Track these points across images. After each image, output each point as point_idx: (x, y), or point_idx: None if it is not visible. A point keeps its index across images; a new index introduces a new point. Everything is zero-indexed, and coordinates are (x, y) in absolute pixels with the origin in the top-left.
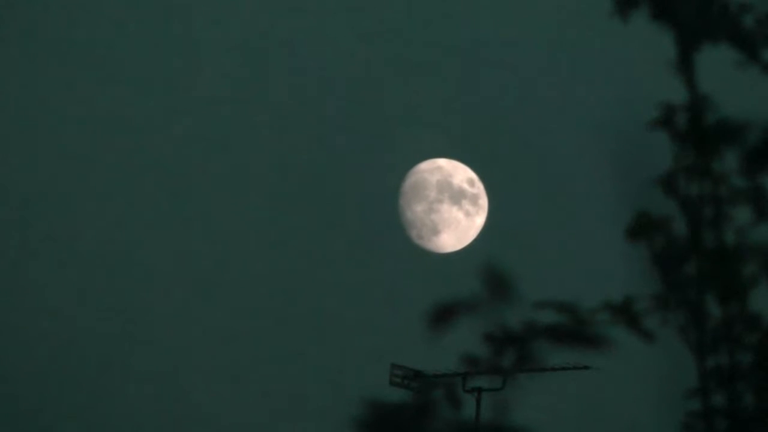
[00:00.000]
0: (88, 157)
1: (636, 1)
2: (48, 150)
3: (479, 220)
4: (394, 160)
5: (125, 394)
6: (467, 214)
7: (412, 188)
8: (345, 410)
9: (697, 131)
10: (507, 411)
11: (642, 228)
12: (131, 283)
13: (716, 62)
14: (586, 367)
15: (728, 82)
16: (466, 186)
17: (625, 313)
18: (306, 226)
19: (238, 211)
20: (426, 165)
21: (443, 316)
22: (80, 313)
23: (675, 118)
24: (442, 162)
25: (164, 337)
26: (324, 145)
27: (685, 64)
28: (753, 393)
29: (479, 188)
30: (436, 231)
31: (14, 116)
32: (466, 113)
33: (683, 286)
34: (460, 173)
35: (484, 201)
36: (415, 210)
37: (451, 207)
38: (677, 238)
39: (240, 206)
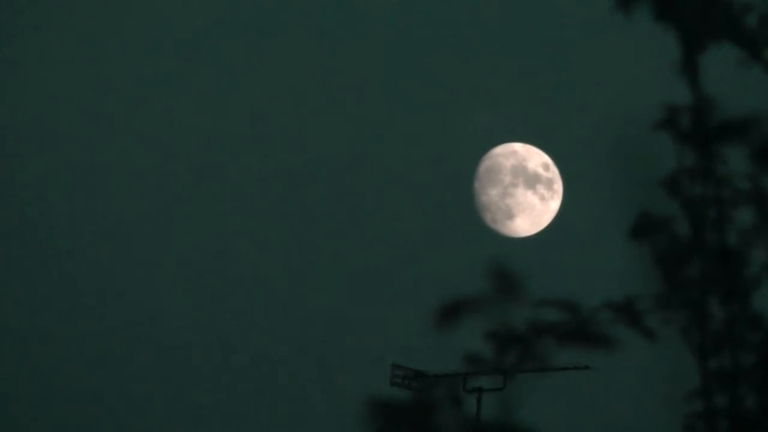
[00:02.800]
0: (89, 157)
1: (637, 0)
2: (48, 149)
3: (554, 204)
4: (469, 144)
5: (125, 394)
6: (542, 198)
7: (487, 172)
8: (345, 410)
9: (701, 132)
10: (508, 411)
11: (645, 228)
12: (131, 284)
13: (720, 62)
14: (587, 367)
15: (732, 82)
16: (540, 170)
17: (627, 312)
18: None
19: (244, 207)
20: (501, 149)
21: (448, 314)
22: (80, 313)
23: (678, 118)
24: (517, 146)
25: (164, 337)
26: (396, 128)
27: (688, 65)
28: (755, 394)
29: (554, 173)
30: (510, 215)
31: (14, 116)
32: (541, 97)
33: (685, 287)
34: (535, 158)
35: (559, 186)
36: (489, 194)
37: (526, 191)
38: (680, 239)
39: (253, 200)
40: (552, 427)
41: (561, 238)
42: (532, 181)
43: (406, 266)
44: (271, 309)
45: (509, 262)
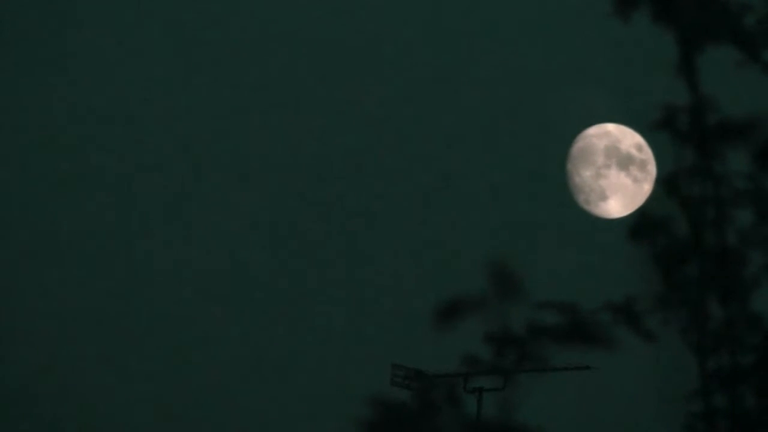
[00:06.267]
0: (88, 157)
1: (636, 1)
2: (47, 149)
3: (647, 186)
4: (562, 124)
5: (125, 394)
6: (635, 180)
7: (580, 153)
8: (346, 410)
9: (699, 132)
10: (508, 411)
11: (644, 228)
12: (130, 283)
13: (718, 63)
14: (587, 367)
15: (730, 82)
16: (634, 151)
17: (627, 313)
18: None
19: (244, 206)
20: (594, 130)
21: (448, 313)
22: (81, 313)
23: (677, 118)
24: (611, 127)
25: (164, 337)
26: (486, 110)
27: (686, 65)
28: (754, 394)
29: (647, 154)
30: (603, 196)
31: (13, 116)
32: (632, 77)
33: (684, 287)
34: (629, 138)
35: (652, 167)
36: (583, 175)
37: (619, 173)
38: (679, 239)
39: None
40: (552, 427)
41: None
42: (625, 162)
43: (410, 264)
44: (271, 309)
45: (511, 263)
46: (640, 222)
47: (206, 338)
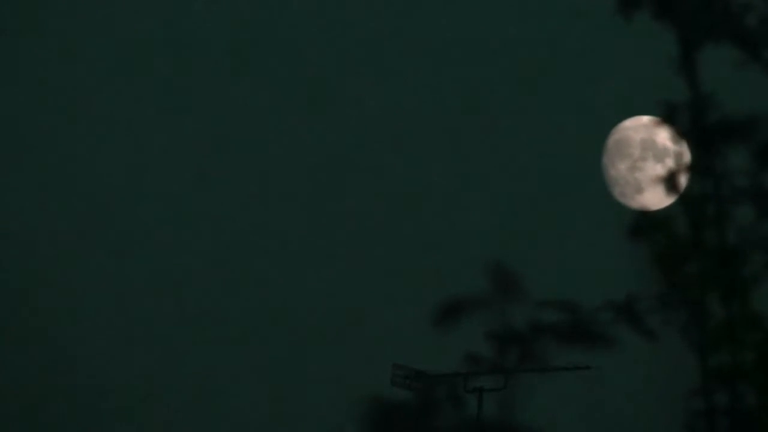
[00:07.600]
0: (88, 157)
1: (638, 0)
2: (47, 149)
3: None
4: (598, 117)
5: (124, 394)
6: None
7: (616, 146)
8: (346, 410)
9: (700, 130)
10: (509, 411)
11: (644, 227)
12: (130, 283)
13: (718, 61)
14: (587, 367)
15: (730, 81)
16: (670, 144)
17: (627, 312)
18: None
19: (242, 205)
20: (630, 122)
21: (450, 313)
22: (81, 313)
23: (677, 116)
24: (647, 119)
25: (164, 337)
26: (520, 101)
27: (687, 63)
28: (755, 392)
29: (684, 146)
30: (639, 189)
31: (13, 115)
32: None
33: (685, 286)
34: (665, 131)
35: (688, 159)
36: (618, 168)
37: (655, 165)
38: (679, 237)
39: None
40: (552, 427)
41: None
42: (662, 154)
43: (411, 263)
44: (271, 309)
45: (510, 263)
46: (641, 221)
47: (205, 338)
